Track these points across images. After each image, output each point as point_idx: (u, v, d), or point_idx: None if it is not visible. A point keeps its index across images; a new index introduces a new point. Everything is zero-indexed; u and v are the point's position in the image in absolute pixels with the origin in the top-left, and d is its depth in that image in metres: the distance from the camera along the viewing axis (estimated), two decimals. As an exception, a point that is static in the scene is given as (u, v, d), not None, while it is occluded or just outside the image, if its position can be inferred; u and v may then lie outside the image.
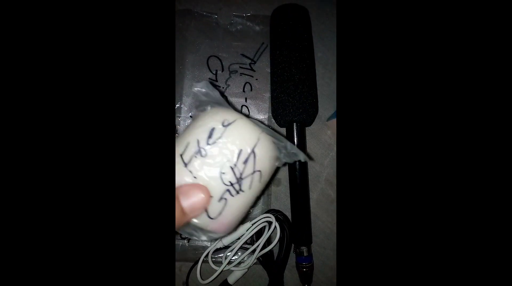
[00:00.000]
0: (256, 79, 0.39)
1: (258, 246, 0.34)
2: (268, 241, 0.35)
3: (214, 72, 0.39)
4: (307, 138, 0.38)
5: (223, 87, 0.39)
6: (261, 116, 0.39)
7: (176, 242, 0.36)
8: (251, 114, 0.39)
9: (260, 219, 0.34)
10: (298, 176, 0.35)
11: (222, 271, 0.33)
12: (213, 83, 0.39)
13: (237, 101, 0.39)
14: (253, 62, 0.39)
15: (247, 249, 0.34)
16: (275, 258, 0.35)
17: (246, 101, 0.39)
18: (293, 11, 0.36)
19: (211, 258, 0.34)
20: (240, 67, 0.39)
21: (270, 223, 0.34)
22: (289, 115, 0.34)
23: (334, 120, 0.37)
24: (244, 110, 0.39)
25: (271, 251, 0.35)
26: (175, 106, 0.38)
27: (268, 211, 0.35)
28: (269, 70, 0.38)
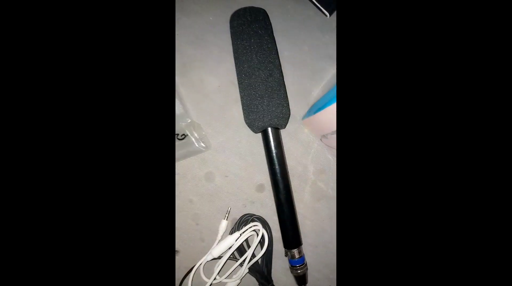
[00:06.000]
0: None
1: (247, 256, 0.34)
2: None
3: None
4: (285, 139, 0.37)
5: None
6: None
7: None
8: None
9: (248, 228, 0.34)
10: (280, 180, 0.34)
11: (212, 283, 0.33)
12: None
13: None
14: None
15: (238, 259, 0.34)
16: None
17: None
18: (250, 13, 0.35)
19: (203, 270, 0.34)
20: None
21: (258, 231, 0.34)
22: (261, 120, 0.33)
23: (310, 118, 0.36)
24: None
25: (261, 259, 0.35)
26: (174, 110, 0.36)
27: (252, 220, 0.35)
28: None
